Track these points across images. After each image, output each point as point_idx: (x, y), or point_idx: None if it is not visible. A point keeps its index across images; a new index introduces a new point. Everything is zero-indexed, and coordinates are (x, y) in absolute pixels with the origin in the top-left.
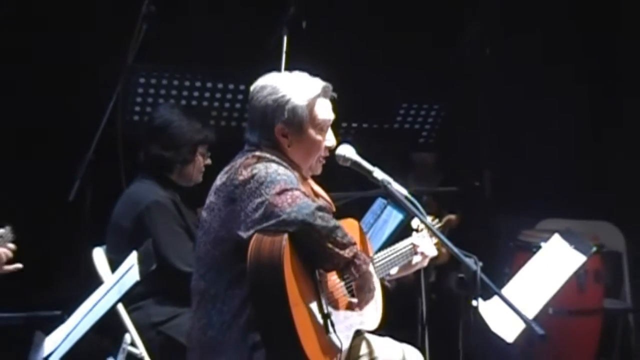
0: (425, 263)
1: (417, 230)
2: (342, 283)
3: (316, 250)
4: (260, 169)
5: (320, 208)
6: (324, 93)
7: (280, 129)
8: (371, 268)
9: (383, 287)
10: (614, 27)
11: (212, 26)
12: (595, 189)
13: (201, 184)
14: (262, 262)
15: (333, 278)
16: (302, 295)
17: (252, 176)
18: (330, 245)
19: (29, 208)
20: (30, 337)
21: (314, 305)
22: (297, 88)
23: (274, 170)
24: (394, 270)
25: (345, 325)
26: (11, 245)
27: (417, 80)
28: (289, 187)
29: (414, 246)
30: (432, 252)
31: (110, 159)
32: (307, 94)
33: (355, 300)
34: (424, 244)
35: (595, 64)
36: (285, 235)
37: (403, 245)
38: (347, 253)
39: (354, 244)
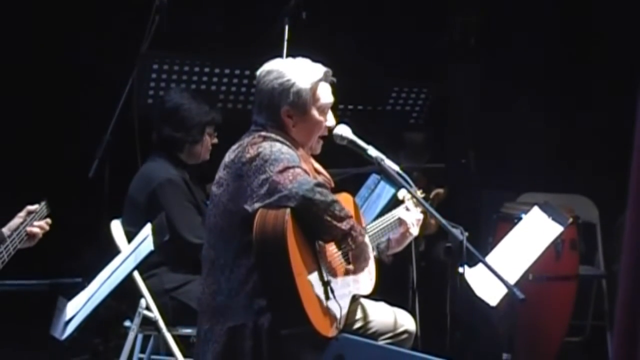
0: (416, 232)
1: (402, 201)
2: (340, 252)
3: (316, 223)
4: (266, 147)
5: (319, 184)
6: (325, 77)
7: (286, 110)
8: (366, 239)
9: (377, 258)
10: (589, 13)
11: (220, 16)
12: (572, 166)
13: (209, 161)
14: (266, 235)
15: (331, 248)
16: (304, 264)
17: (258, 154)
18: (328, 218)
19: (54, 184)
20: (54, 302)
21: (315, 274)
22: (301, 73)
23: (278, 149)
24: (385, 238)
25: (343, 291)
26: (47, 220)
27: (407, 65)
28: (291, 165)
29: (401, 219)
30: (419, 216)
31: (127, 139)
32: (310, 78)
33: (351, 267)
34: (410, 215)
35: (571, 48)
36: (288, 210)
37: (391, 216)
38: (344, 225)
39: (351, 217)
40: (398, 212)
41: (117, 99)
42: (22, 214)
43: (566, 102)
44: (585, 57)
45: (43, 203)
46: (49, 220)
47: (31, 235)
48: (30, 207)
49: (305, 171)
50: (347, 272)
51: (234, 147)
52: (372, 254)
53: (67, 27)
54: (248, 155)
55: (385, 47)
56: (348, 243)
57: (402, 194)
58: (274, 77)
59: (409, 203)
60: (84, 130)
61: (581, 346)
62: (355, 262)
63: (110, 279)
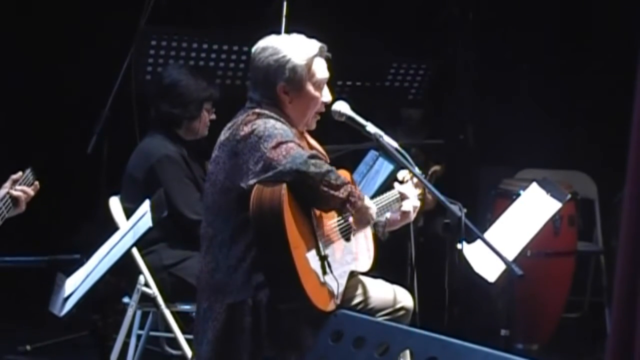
0: (413, 217)
1: (401, 182)
2: (338, 227)
3: (313, 195)
4: (260, 124)
5: (312, 156)
6: (320, 53)
7: (282, 87)
8: (367, 201)
9: (375, 234)
10: None
11: None
12: (571, 142)
13: (207, 138)
14: (264, 211)
15: (329, 222)
16: (302, 239)
17: (252, 131)
18: (325, 189)
19: (53, 160)
20: (52, 278)
21: (312, 249)
22: (296, 49)
23: (271, 125)
24: (384, 217)
25: (341, 267)
26: (35, 185)
27: (406, 41)
28: (284, 140)
29: (401, 194)
30: (416, 203)
31: (125, 115)
32: (305, 54)
33: (352, 240)
34: (409, 191)
35: (569, 27)
36: (284, 185)
37: (391, 193)
38: (341, 193)
39: (347, 183)
40: (398, 188)
41: (116, 74)
42: (7, 183)
43: (565, 79)
44: (585, 34)
45: (28, 170)
46: (37, 184)
47: (15, 199)
48: (14, 176)
49: (300, 146)
50: (348, 239)
51: (228, 125)
52: (374, 215)
53: (66, 2)
54: (242, 133)
55: (384, 22)
56: (348, 209)
57: (402, 174)
58: (269, 53)
59: (409, 183)
60: (83, 106)
61: (579, 322)
62: (358, 225)
63: (108, 255)
